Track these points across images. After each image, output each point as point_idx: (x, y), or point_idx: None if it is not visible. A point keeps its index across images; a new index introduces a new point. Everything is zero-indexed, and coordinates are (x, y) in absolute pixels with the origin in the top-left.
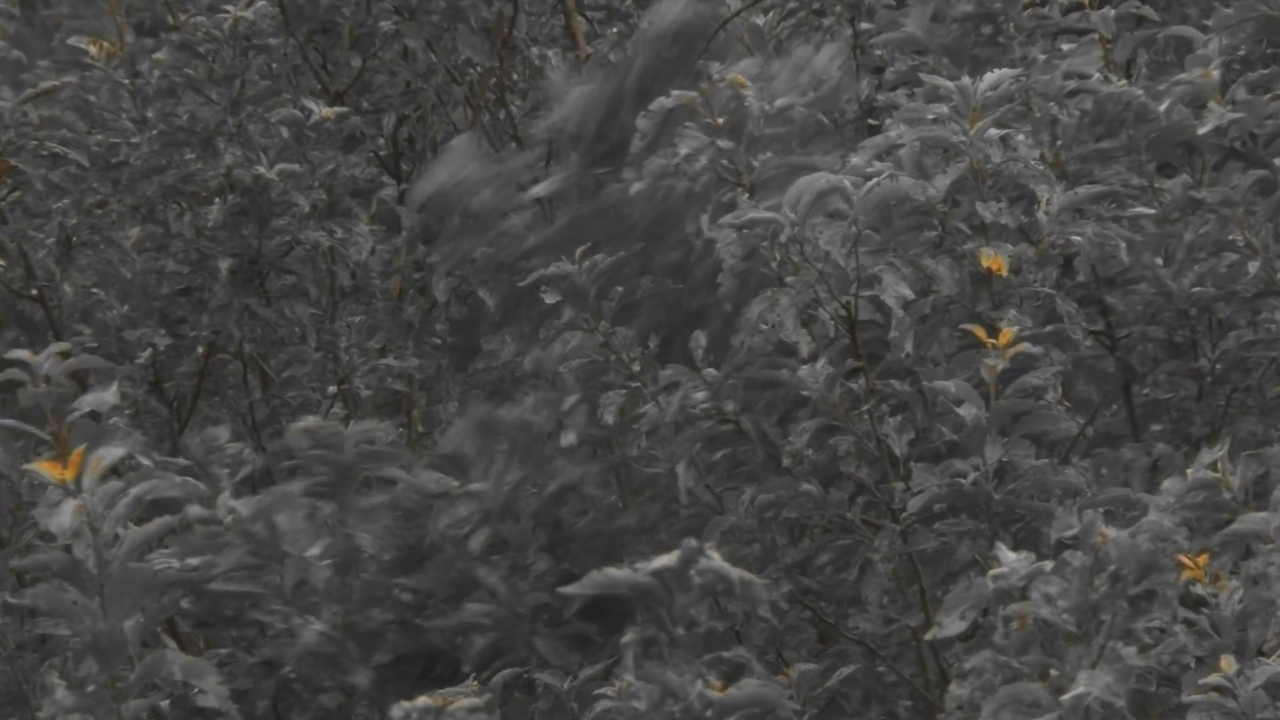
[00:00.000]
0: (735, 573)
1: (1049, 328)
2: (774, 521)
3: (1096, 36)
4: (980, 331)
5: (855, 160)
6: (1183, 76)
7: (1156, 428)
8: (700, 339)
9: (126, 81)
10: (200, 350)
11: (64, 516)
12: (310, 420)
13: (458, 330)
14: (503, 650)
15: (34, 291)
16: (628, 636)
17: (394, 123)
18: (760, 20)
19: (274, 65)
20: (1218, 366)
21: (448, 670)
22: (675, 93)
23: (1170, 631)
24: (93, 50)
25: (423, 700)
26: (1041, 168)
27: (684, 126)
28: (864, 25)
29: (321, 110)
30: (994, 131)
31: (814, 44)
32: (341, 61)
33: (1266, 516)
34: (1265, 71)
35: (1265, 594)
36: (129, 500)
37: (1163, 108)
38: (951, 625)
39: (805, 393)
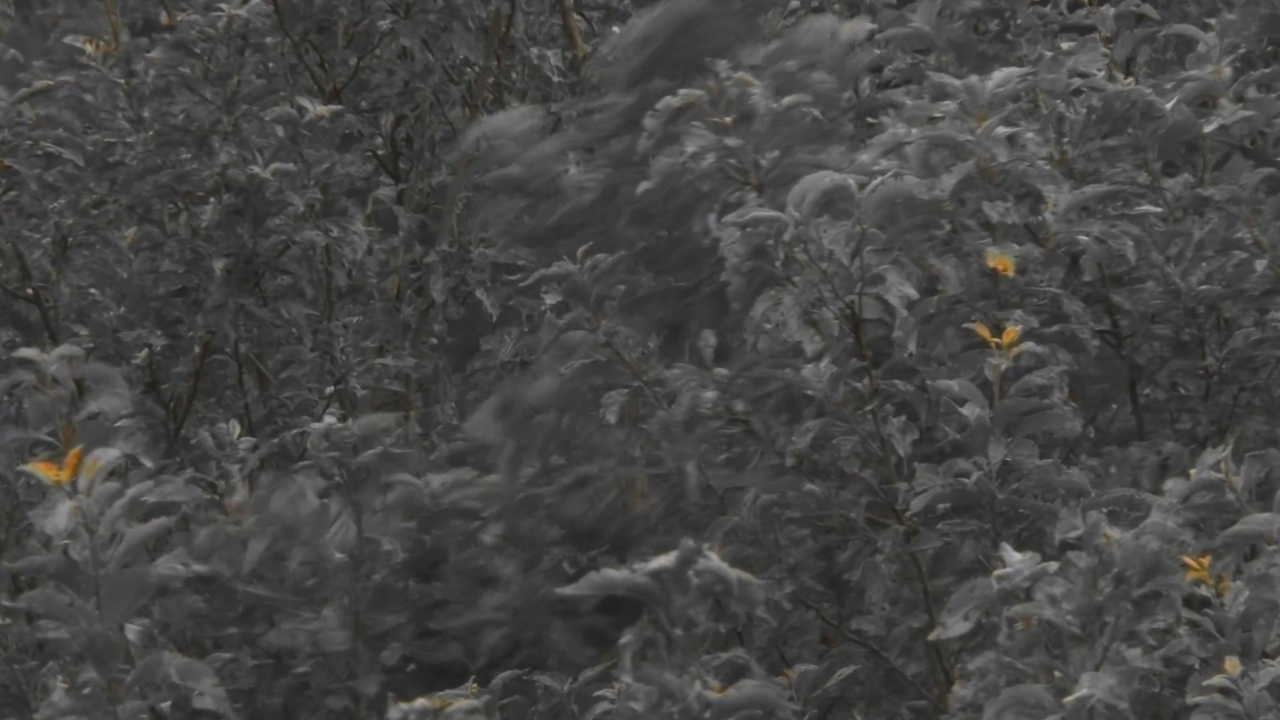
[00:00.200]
0: (733, 573)
1: (1056, 328)
2: (777, 521)
3: (1099, 35)
4: (984, 331)
5: (863, 157)
6: (1194, 73)
7: (1164, 429)
8: (710, 338)
9: (122, 81)
10: (196, 351)
11: (59, 518)
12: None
13: (456, 330)
14: (518, 644)
15: (29, 292)
16: (626, 638)
17: (392, 122)
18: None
19: (270, 64)
20: (1224, 365)
21: (457, 679)
22: (682, 91)
23: (1174, 633)
24: (89, 49)
25: (420, 702)
26: (1049, 167)
27: (691, 125)
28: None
29: (316, 108)
30: (1002, 130)
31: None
32: (338, 60)
33: (1270, 517)
34: (1267, 70)
35: (1269, 595)
36: (125, 501)
37: (1169, 106)
38: (955, 626)
39: (809, 392)
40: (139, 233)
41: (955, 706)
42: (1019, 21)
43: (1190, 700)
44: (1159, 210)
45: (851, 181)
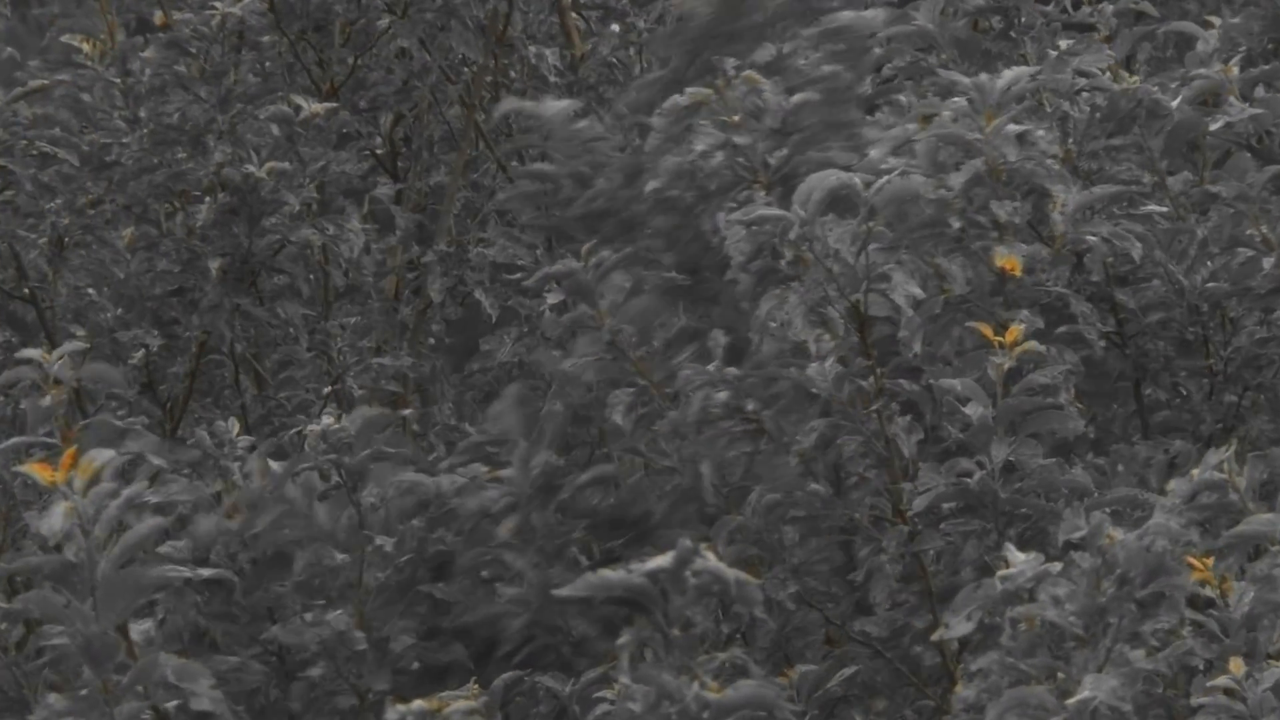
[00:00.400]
0: (731, 573)
1: (1062, 328)
2: (781, 521)
3: (1099, 33)
4: (987, 330)
5: (873, 154)
6: (1201, 71)
7: (1166, 427)
8: (719, 337)
9: (118, 80)
10: (192, 351)
11: (55, 519)
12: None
13: (454, 330)
14: (535, 635)
15: (26, 292)
16: (624, 638)
17: (390, 121)
18: None
19: (266, 64)
20: (1229, 364)
21: (462, 680)
22: (690, 90)
23: (1178, 634)
24: (85, 49)
25: (418, 703)
26: (1057, 167)
27: (699, 123)
28: None
29: (311, 106)
30: (1011, 128)
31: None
32: (335, 59)
33: (1274, 517)
34: (1267, 67)
35: (1274, 596)
36: (120, 502)
37: (1174, 104)
38: (959, 626)
39: (814, 391)
40: (136, 233)
41: (958, 707)
42: (1023, 19)
43: (1194, 701)
44: (1165, 209)
45: (858, 180)
